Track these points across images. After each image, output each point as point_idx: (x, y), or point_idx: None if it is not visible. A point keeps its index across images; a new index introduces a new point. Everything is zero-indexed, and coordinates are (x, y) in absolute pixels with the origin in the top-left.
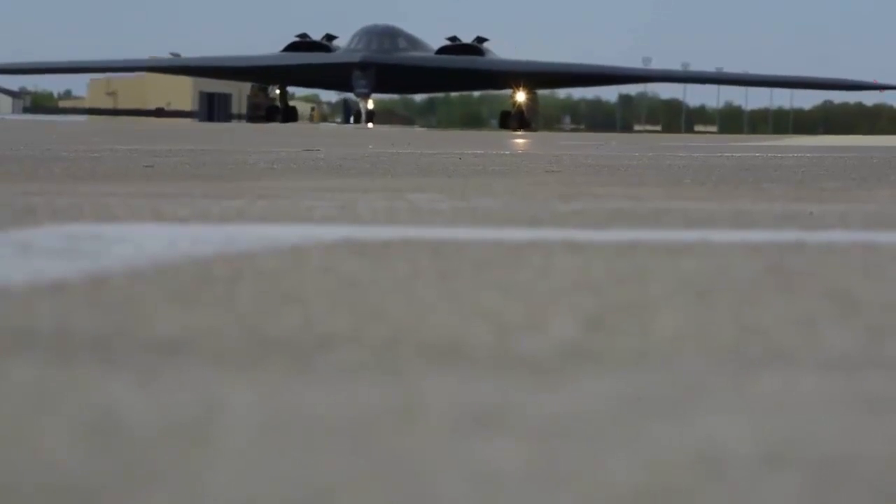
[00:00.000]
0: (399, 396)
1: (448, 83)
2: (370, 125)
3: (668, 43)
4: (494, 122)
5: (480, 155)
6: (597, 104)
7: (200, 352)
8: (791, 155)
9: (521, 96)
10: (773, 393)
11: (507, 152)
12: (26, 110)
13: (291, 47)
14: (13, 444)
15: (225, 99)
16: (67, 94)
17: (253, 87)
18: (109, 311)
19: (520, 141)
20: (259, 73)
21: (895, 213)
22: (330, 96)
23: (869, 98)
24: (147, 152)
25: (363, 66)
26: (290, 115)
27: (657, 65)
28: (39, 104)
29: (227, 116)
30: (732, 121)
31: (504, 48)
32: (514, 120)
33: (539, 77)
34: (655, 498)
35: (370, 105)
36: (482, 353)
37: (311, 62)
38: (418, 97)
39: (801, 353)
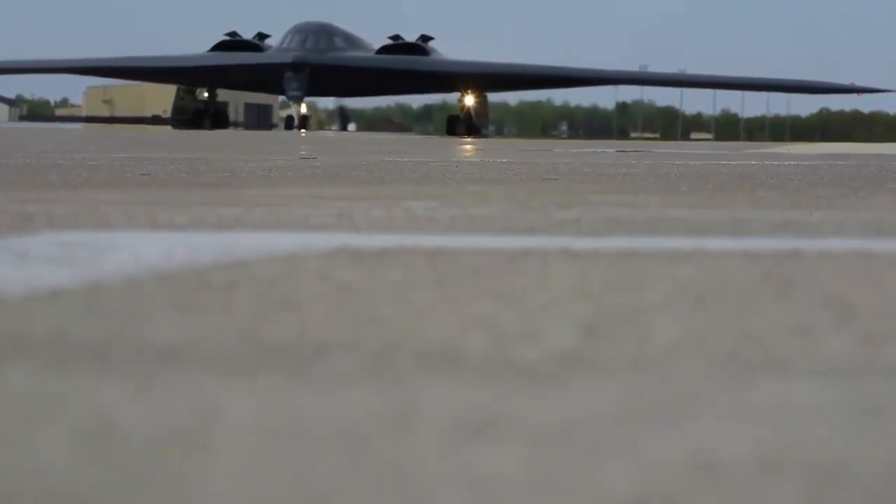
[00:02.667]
0: (396, 404)
1: (390, 85)
2: (303, 132)
3: (666, 51)
4: (492, 127)
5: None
6: (593, 111)
7: (197, 359)
8: (787, 163)
9: (469, 100)
10: (770, 400)
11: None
12: (22, 118)
13: (220, 47)
14: (10, 452)
15: (221, 106)
16: (64, 103)
17: (179, 89)
18: (106, 319)
19: (469, 147)
20: (184, 75)
21: (892, 221)
22: (326, 103)
23: (865, 105)
24: (143, 160)
25: (295, 66)
26: (219, 119)
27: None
28: (36, 112)
29: (224, 124)
30: (729, 128)
31: (498, 53)
32: (462, 125)
33: (489, 79)
34: None
35: (303, 109)
36: (479, 360)
37: (239, 62)
38: (415, 104)
39: (798, 361)
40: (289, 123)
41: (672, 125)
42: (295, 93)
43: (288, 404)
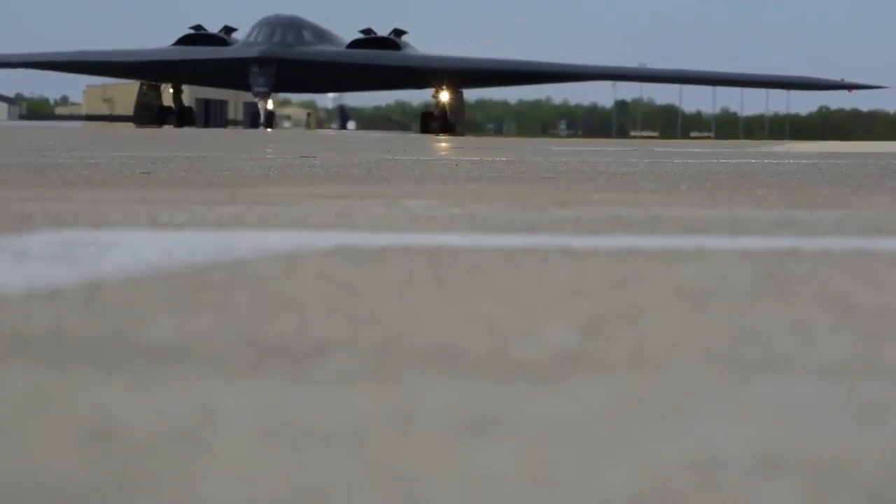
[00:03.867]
0: (395, 402)
1: (361, 81)
2: (269, 129)
3: (664, 50)
4: (490, 127)
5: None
6: (593, 110)
7: (196, 358)
8: (787, 161)
9: (444, 96)
10: (769, 398)
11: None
12: (22, 117)
13: (184, 40)
14: (9, 450)
15: (221, 105)
16: (64, 101)
17: (142, 85)
18: (106, 318)
19: (444, 145)
20: (145, 70)
21: (891, 220)
22: (326, 102)
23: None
24: (143, 159)
25: (262, 61)
26: (186, 116)
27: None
28: (35, 111)
29: (224, 122)
30: (728, 126)
31: (497, 51)
32: (436, 122)
33: (464, 75)
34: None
35: (270, 105)
36: (479, 359)
37: (202, 57)
38: (415, 102)
39: (797, 359)
40: (254, 121)
41: (671, 124)
42: (261, 88)
43: (288, 402)
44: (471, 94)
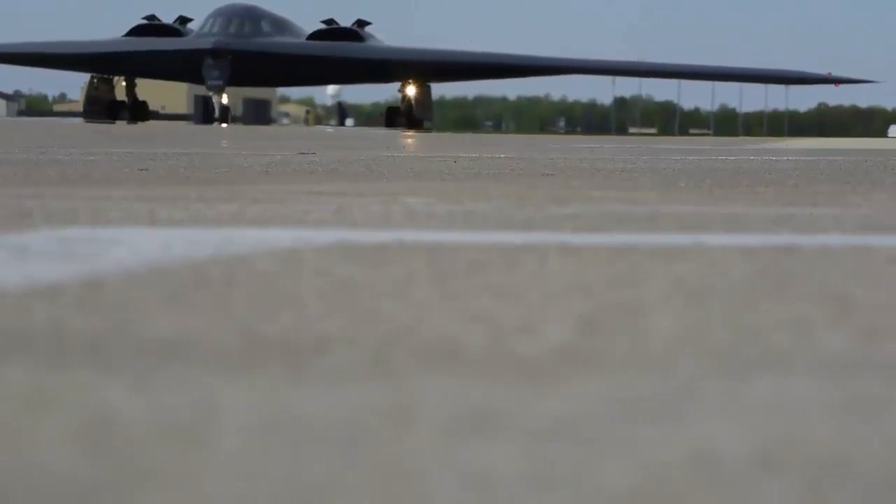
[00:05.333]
0: (394, 399)
1: (322, 74)
2: (224, 125)
3: (662, 45)
4: (489, 124)
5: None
6: (591, 107)
7: (196, 354)
8: (786, 158)
9: (410, 90)
10: (768, 396)
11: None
12: (21, 113)
13: (136, 31)
14: (8, 448)
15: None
16: (62, 98)
17: (92, 78)
18: (105, 315)
19: (409, 140)
20: (94, 62)
21: (889, 217)
22: (325, 99)
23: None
24: (141, 155)
25: (216, 52)
26: (139, 111)
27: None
28: (34, 107)
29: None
30: (727, 123)
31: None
32: (402, 117)
33: (431, 67)
34: (650, 501)
35: (224, 100)
36: (477, 356)
37: (153, 49)
38: None
39: (796, 356)
40: (206, 115)
41: (670, 120)
42: (215, 82)
43: (287, 399)
44: (470, 91)
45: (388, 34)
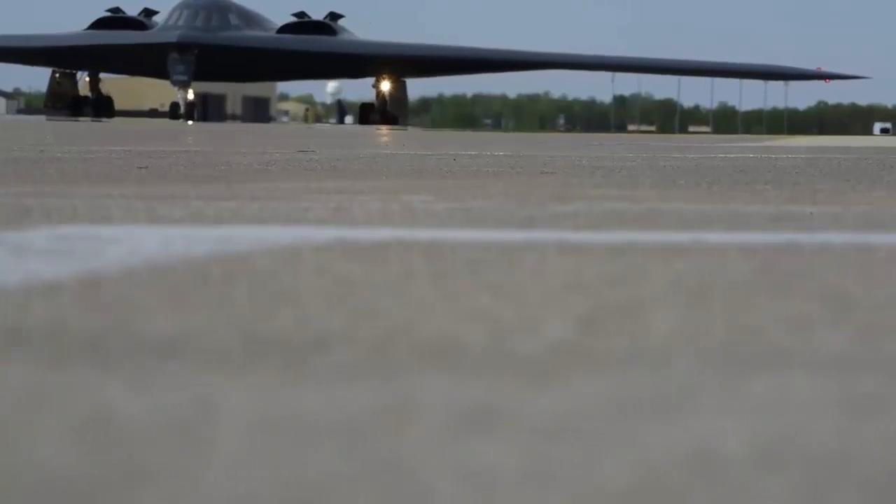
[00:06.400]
0: (393, 397)
1: (293, 69)
2: (191, 122)
3: (659, 40)
4: (489, 121)
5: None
6: (591, 105)
7: (195, 352)
8: (785, 156)
9: (385, 85)
10: (767, 393)
11: None
12: (20, 111)
13: (99, 24)
14: (7, 445)
15: (219, 99)
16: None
17: (54, 72)
18: (104, 312)
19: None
20: (55, 56)
21: (888, 215)
22: (325, 97)
23: (863, 98)
24: (141, 153)
25: (181, 46)
26: (103, 106)
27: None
28: (34, 105)
29: (222, 117)
30: (726, 121)
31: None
32: (376, 114)
33: (406, 62)
34: (648, 498)
35: (190, 95)
36: (476, 353)
37: (116, 42)
38: (412, 97)
39: (795, 354)
40: (173, 111)
41: (670, 118)
42: (180, 77)
43: (285, 397)
44: (469, 89)
45: (387, 29)
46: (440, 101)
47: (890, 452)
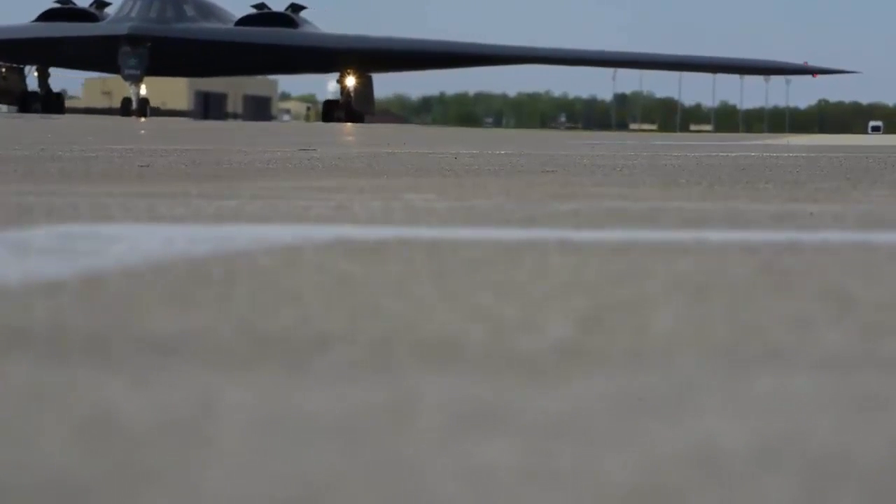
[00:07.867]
0: (394, 395)
1: (252, 63)
2: (143, 119)
3: (659, 36)
4: (489, 120)
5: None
6: (592, 103)
7: (196, 351)
8: (786, 154)
9: (350, 81)
10: (768, 392)
11: None
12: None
13: (48, 16)
14: (9, 444)
15: (220, 98)
16: (63, 94)
17: (0, 67)
18: (105, 311)
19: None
20: (3, 50)
21: (890, 213)
22: (326, 96)
23: (864, 97)
24: (142, 152)
25: (133, 39)
26: (52, 103)
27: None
28: None
29: (223, 115)
30: (728, 119)
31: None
32: (340, 110)
33: (373, 56)
34: (651, 497)
35: (143, 91)
36: (477, 352)
37: (64, 35)
38: (414, 96)
39: (796, 352)
40: (125, 108)
41: (671, 116)
42: (132, 71)
43: (287, 395)
44: (468, 87)
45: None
46: (442, 100)
47: (892, 451)
